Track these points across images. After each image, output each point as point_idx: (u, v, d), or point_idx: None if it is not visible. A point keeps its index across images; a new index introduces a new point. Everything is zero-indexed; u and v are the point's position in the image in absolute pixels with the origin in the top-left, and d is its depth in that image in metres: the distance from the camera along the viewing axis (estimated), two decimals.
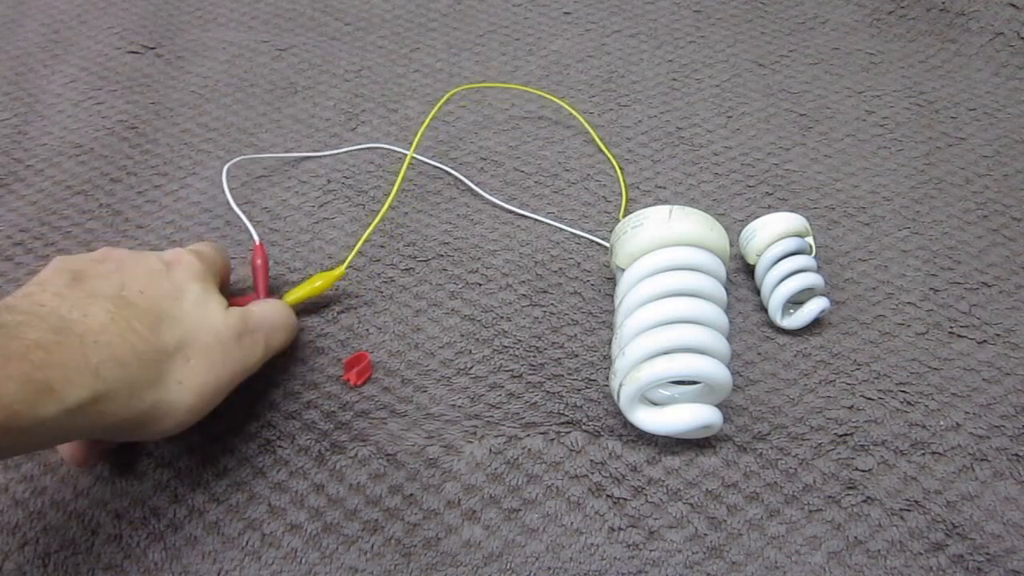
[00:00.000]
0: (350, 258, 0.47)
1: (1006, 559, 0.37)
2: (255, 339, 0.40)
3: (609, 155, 0.55)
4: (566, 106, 0.56)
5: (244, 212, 0.52)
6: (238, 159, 0.53)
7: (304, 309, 0.47)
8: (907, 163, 0.55)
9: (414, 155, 0.55)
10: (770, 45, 0.65)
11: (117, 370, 0.33)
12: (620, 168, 0.54)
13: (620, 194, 0.53)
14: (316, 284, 0.45)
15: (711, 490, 0.39)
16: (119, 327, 0.34)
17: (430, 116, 0.52)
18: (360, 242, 0.46)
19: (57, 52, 0.66)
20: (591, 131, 0.56)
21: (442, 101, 0.53)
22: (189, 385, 0.36)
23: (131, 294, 0.36)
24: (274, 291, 0.47)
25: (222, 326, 0.38)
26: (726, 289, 0.43)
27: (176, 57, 0.65)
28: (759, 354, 0.45)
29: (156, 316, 0.36)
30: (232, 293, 0.47)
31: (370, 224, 0.50)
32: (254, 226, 0.51)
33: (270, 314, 0.42)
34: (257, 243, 0.46)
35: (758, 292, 0.47)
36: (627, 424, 0.41)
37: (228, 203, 0.50)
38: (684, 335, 0.39)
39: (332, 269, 0.46)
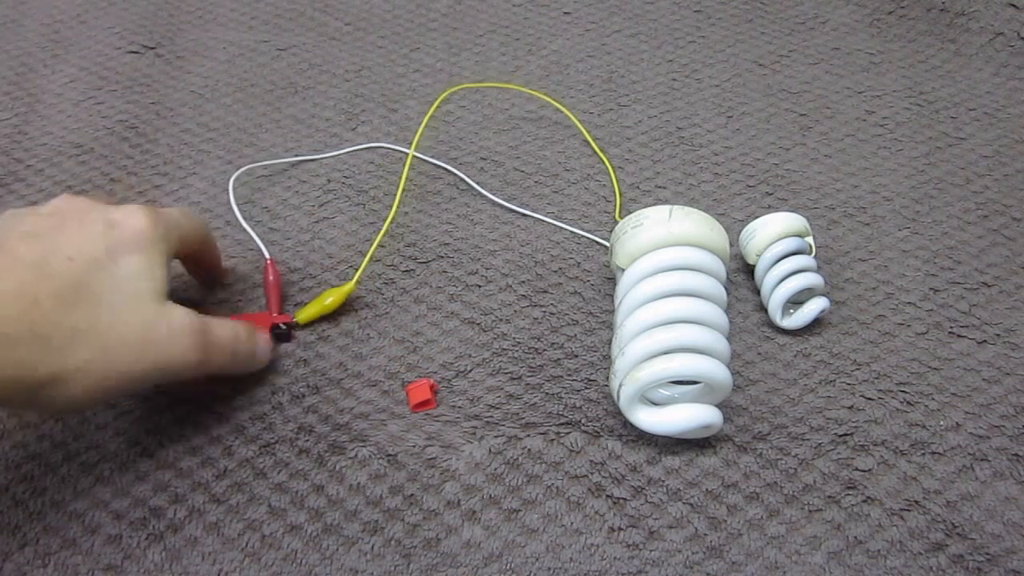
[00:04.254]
0: (360, 271, 0.46)
1: (1006, 559, 0.37)
2: (184, 346, 0.36)
3: (600, 152, 0.55)
4: (557, 104, 0.56)
5: (244, 212, 0.52)
6: (243, 169, 0.53)
7: None
8: (907, 163, 0.55)
9: (415, 154, 0.55)
10: (770, 45, 0.65)
11: (6, 347, 0.32)
12: (612, 167, 0.54)
13: (621, 194, 0.53)
14: (327, 302, 0.45)
15: (711, 490, 0.39)
16: (24, 302, 0.33)
17: (428, 115, 0.52)
18: (369, 254, 0.46)
19: (57, 52, 0.66)
20: (583, 130, 0.56)
21: (439, 100, 0.53)
22: (90, 373, 0.34)
23: (56, 261, 0.34)
24: (286, 300, 0.48)
25: (147, 318, 0.35)
26: (726, 289, 0.43)
27: (176, 57, 0.65)
28: (759, 354, 0.45)
29: (73, 289, 0.34)
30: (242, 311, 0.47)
31: (375, 227, 0.50)
32: (254, 226, 0.51)
33: (223, 332, 0.39)
34: (268, 259, 0.47)
35: (758, 292, 0.47)
36: (627, 424, 0.41)
37: (229, 204, 0.50)
38: (684, 335, 0.39)
39: (342, 285, 0.46)
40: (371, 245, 0.49)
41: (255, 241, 0.48)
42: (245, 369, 0.42)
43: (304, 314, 0.46)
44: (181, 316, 0.37)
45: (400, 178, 0.48)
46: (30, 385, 0.33)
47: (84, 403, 0.35)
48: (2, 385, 0.32)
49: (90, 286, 0.34)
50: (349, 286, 0.46)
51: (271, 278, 0.46)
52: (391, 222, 0.46)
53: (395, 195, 0.52)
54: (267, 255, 0.47)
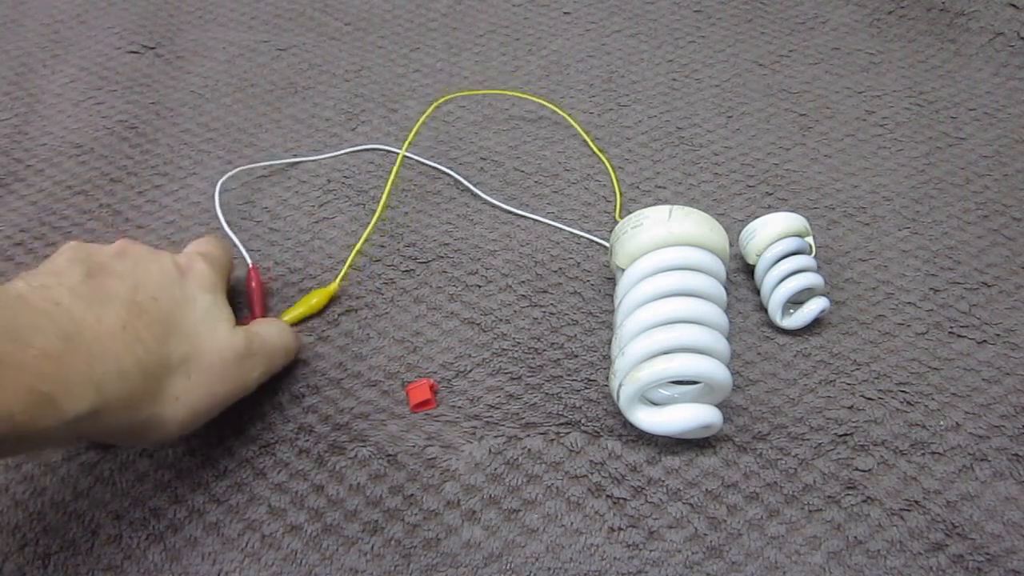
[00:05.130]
0: (342, 273, 0.47)
1: (1006, 559, 0.37)
2: (255, 362, 0.39)
3: (599, 153, 0.55)
4: (554, 107, 0.56)
5: (244, 213, 0.52)
6: (231, 173, 0.53)
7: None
8: (907, 163, 0.55)
9: (412, 156, 0.55)
10: (770, 45, 0.65)
11: (118, 382, 0.33)
12: (612, 167, 0.54)
13: (620, 194, 0.53)
14: (312, 302, 0.46)
15: (711, 490, 0.39)
16: (128, 337, 0.34)
17: (421, 120, 0.52)
18: (352, 255, 0.47)
19: (57, 52, 0.66)
20: (582, 132, 0.56)
21: (431, 108, 0.53)
22: (185, 401, 0.35)
23: (144, 300, 0.36)
24: (270, 310, 0.47)
25: (227, 344, 0.38)
26: (726, 289, 0.43)
27: (176, 57, 0.65)
28: (759, 354, 0.45)
29: (165, 327, 0.36)
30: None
31: (367, 228, 0.50)
32: (254, 226, 0.51)
33: (273, 337, 0.41)
34: (251, 265, 0.47)
35: (758, 292, 0.47)
36: (627, 424, 0.41)
37: (227, 205, 0.50)
38: (684, 335, 0.39)
39: (327, 285, 0.47)
40: (370, 245, 0.49)
41: (242, 252, 0.48)
42: (286, 363, 0.43)
43: (289, 315, 0.46)
44: (243, 338, 0.39)
45: (396, 179, 0.48)
46: (137, 420, 0.34)
47: (177, 432, 0.36)
48: (114, 417, 0.33)
49: (177, 322, 0.37)
50: (332, 287, 0.47)
51: (253, 284, 0.46)
52: (377, 220, 0.47)
53: (396, 196, 0.52)
54: (249, 262, 0.47)
